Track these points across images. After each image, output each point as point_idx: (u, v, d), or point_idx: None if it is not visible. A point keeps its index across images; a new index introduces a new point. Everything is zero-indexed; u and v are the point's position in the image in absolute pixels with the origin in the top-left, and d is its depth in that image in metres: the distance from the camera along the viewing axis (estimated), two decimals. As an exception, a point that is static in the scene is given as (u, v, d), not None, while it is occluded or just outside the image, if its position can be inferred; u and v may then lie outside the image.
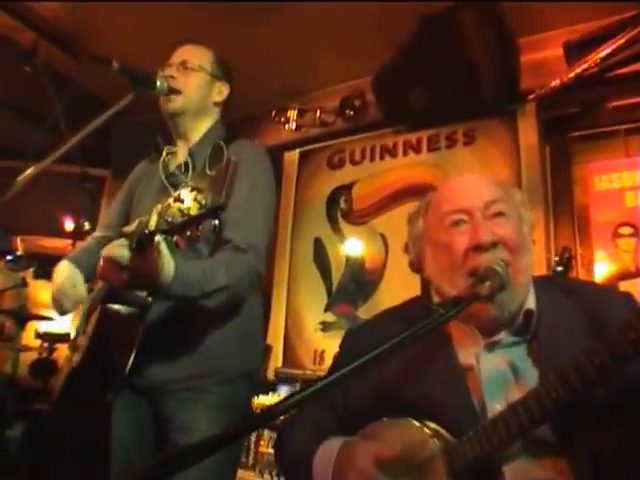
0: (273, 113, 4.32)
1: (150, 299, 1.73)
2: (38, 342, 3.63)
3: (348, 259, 4.01)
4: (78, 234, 4.15)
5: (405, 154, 3.98)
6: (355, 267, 3.95)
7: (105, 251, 1.46)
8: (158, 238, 1.36)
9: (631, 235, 3.14)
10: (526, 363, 1.25)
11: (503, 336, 1.29)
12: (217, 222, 1.23)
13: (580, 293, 1.32)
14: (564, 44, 3.09)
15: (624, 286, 3.06)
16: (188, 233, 1.27)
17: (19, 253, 3.74)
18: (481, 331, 1.31)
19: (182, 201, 1.23)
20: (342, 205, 4.14)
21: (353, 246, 4.02)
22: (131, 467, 1.87)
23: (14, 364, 3.48)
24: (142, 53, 3.08)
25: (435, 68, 3.32)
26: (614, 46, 2.92)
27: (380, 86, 3.65)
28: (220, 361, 1.84)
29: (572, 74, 3.04)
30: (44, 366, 3.61)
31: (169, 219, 1.26)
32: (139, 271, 1.44)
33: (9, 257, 3.71)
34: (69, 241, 4.05)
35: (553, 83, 3.11)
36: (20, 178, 1.62)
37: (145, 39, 3.50)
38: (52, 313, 4.13)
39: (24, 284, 3.60)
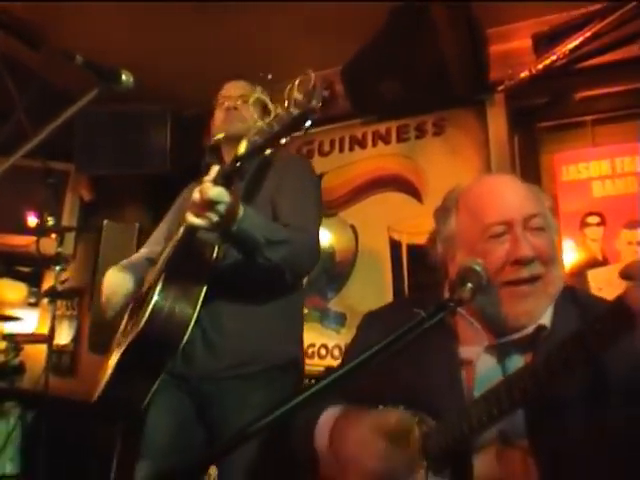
0: (239, 104, 4.23)
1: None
2: (3, 344, 3.55)
3: (319, 251, 3.96)
4: (42, 230, 4.06)
5: (374, 145, 3.96)
6: (326, 259, 3.91)
7: (200, 192, 1.54)
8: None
9: (598, 224, 3.19)
10: None
11: (507, 340, 1.30)
12: (309, 123, 1.45)
13: (592, 312, 1.24)
14: (533, 36, 3.11)
15: (592, 274, 3.12)
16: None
17: (-19, 255, 3.64)
18: (488, 331, 1.33)
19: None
20: (312, 197, 4.08)
21: (323, 238, 3.99)
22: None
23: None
24: (106, 47, 3.01)
25: (405, 58, 3.30)
26: (581, 38, 2.95)
27: (349, 76, 3.61)
28: (267, 348, 1.91)
29: (541, 66, 3.06)
30: (10, 368, 3.54)
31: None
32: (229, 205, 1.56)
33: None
34: (33, 237, 3.95)
35: (522, 74, 3.13)
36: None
37: (110, 34, 3.41)
38: (18, 312, 4.05)
39: (-12, 286, 3.51)
